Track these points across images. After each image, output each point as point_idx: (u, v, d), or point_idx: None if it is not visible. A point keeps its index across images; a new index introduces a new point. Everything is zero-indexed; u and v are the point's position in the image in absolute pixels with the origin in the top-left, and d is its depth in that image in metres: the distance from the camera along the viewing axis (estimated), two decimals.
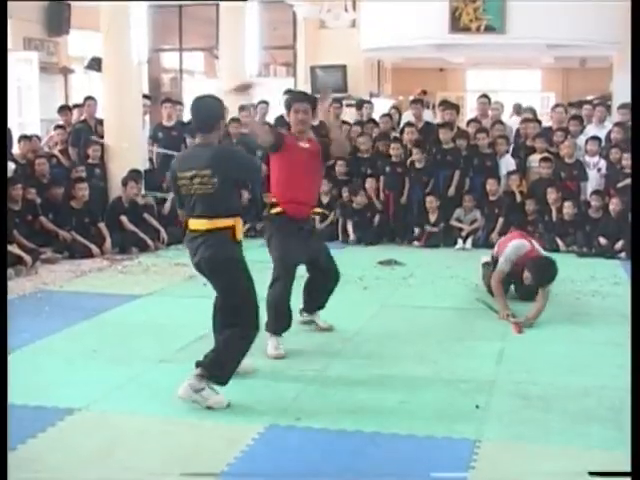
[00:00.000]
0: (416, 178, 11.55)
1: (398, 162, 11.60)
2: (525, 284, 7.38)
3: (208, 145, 4.94)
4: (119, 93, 11.44)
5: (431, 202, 11.22)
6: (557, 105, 13.11)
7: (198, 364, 4.85)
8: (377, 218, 11.41)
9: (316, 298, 6.64)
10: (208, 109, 5.01)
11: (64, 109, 12.70)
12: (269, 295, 6.04)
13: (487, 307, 7.48)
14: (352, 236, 11.30)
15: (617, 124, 11.51)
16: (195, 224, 4.93)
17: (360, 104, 13.88)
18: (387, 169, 11.65)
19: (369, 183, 11.70)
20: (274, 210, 6.19)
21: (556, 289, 8.24)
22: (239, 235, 4.93)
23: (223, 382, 4.87)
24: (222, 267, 4.91)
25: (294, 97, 6.41)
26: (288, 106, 6.27)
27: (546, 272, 7.19)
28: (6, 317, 4.61)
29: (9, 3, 7.18)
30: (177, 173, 4.99)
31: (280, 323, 6.07)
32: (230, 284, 4.98)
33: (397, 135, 12.17)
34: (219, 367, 4.86)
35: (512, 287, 7.85)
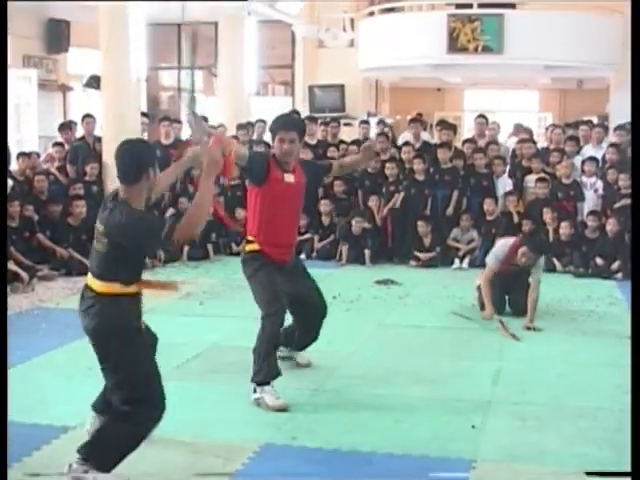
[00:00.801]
0: (417, 192, 11.48)
1: (393, 181, 11.60)
2: (521, 264, 7.61)
3: (122, 201, 4.09)
4: (118, 111, 11.46)
5: (422, 227, 11.11)
6: (555, 127, 13.08)
7: (79, 450, 4.09)
8: (370, 242, 11.30)
9: (298, 337, 6.00)
10: (133, 156, 4.16)
11: (65, 127, 12.71)
12: (257, 340, 5.42)
13: (464, 319, 7.60)
14: (344, 260, 11.26)
15: (612, 145, 11.53)
16: (90, 281, 4.19)
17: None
18: (383, 189, 11.65)
19: (372, 201, 11.68)
20: (250, 248, 5.55)
21: (552, 309, 8.28)
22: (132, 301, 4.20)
23: (105, 470, 4.06)
24: (109, 339, 4.12)
25: (279, 124, 5.55)
26: (273, 133, 5.54)
27: (539, 240, 8.16)
28: (6, 334, 4.61)
29: (8, 19, 7.21)
30: None
31: (271, 371, 5.40)
32: (118, 358, 4.14)
33: (394, 155, 12.16)
34: (100, 453, 4.08)
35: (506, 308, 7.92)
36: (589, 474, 3.94)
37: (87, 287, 4.19)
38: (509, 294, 8.09)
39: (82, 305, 4.19)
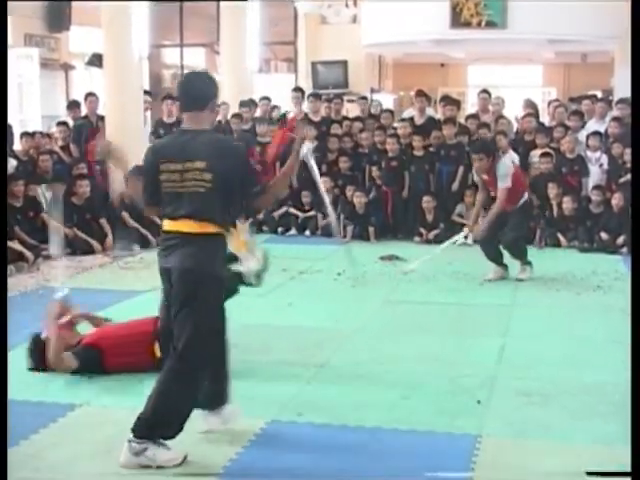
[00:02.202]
0: (417, 169, 11.44)
1: (395, 157, 11.56)
2: (479, 170, 8.75)
3: (201, 131, 4.07)
4: (120, 89, 11.42)
5: (428, 202, 11.08)
6: (558, 106, 12.93)
7: (133, 428, 4.05)
8: (373, 219, 11.27)
9: None
10: (203, 84, 4.17)
11: (73, 105, 12.65)
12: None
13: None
14: (348, 237, 11.22)
15: (614, 119, 11.48)
16: (176, 225, 4.03)
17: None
18: (384, 165, 11.61)
19: (375, 172, 11.67)
20: None
21: (557, 284, 8.27)
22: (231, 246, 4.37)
23: (171, 436, 4.08)
24: (203, 284, 3.99)
25: None
26: None
27: (481, 141, 10.09)
28: (6, 313, 4.61)
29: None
30: (159, 165, 4.05)
31: None
32: (207, 308, 4.04)
33: (395, 131, 12.11)
34: (162, 420, 4.04)
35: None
36: (590, 474, 3.94)
37: (170, 232, 4.05)
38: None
39: (169, 247, 4.05)
